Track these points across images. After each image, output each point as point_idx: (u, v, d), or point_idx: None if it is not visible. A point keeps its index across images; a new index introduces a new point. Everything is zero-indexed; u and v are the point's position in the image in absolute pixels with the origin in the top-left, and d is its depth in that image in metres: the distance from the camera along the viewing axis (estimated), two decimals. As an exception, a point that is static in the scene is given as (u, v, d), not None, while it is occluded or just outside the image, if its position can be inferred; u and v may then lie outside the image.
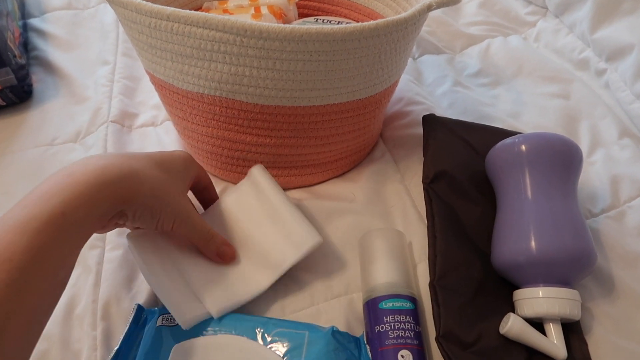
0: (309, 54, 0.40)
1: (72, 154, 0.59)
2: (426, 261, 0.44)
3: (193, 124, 0.50)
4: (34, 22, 0.79)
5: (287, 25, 0.38)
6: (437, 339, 0.39)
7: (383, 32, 0.40)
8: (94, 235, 0.49)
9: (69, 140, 0.61)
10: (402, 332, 0.38)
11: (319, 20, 0.60)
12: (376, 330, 0.39)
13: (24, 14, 0.81)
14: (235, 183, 0.54)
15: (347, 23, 0.59)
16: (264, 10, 0.57)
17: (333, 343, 0.38)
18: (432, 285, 0.42)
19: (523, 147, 0.44)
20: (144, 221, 0.38)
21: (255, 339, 0.39)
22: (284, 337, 0.39)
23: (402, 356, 0.37)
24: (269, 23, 0.38)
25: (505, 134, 0.51)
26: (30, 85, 0.67)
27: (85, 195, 0.32)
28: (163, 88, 0.48)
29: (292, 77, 0.42)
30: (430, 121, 0.51)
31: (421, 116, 0.54)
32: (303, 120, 0.46)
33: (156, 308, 0.42)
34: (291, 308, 0.43)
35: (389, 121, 0.58)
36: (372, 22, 0.39)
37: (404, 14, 0.40)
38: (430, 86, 0.63)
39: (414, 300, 0.40)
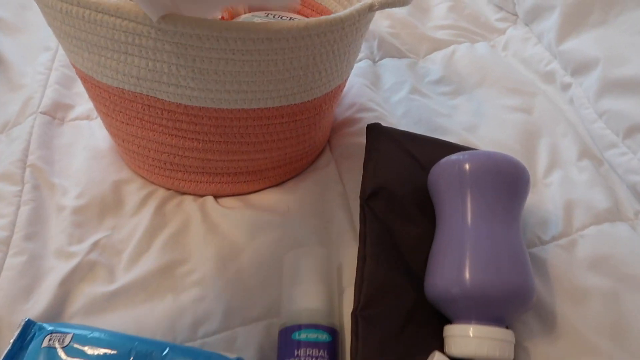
0: (231, 52, 0.36)
1: (-3, 146, 0.54)
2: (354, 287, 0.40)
3: (117, 121, 0.45)
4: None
5: (204, 19, 0.34)
6: (352, 377, 0.35)
7: (315, 32, 0.36)
8: (-3, 239, 0.44)
9: (-4, 130, 0.56)
10: (312, 367, 0.34)
11: (269, 15, 0.56)
12: (285, 364, 0.35)
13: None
14: (164, 187, 0.50)
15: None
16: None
17: None
18: (354, 316, 0.38)
19: (466, 166, 0.40)
20: None
21: None
22: None
23: None
24: (186, 16, 0.34)
25: (455, 149, 0.48)
26: (-38, 69, 0.62)
27: None
28: (85, 80, 0.44)
29: (215, 77, 0.38)
30: (375, 131, 0.47)
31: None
32: (231, 124, 0.42)
33: (48, 325, 0.37)
34: (204, 329, 0.39)
35: (338, 128, 0.54)
36: (302, 20, 0.35)
37: (340, 13, 0.36)
38: (387, 92, 0.59)
39: (333, 331, 0.36)
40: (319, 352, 0.35)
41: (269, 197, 0.48)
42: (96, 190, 0.49)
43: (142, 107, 0.42)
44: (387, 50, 0.64)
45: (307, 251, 0.41)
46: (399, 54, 0.64)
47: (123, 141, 0.48)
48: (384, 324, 0.37)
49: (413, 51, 0.65)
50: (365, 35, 0.44)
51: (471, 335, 0.35)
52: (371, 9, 0.37)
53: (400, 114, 0.56)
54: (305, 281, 0.39)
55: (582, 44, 0.53)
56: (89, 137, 0.55)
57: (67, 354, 0.34)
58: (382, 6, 0.38)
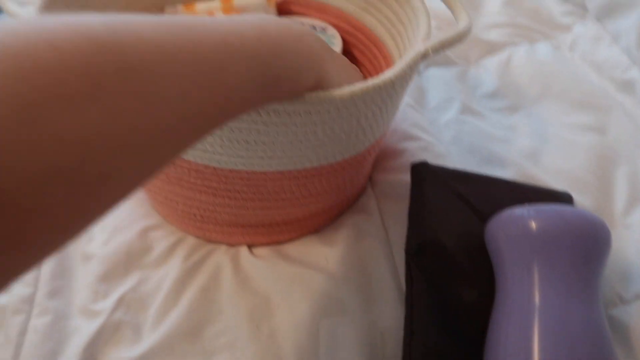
0: (264, 124, 0.31)
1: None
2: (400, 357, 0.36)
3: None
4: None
5: None
6: None
7: (362, 100, 0.30)
8: (19, 297, 0.42)
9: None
10: None
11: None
12: None
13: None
14: (196, 236, 0.46)
15: (321, 29, 0.49)
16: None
17: None
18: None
19: (533, 225, 0.34)
20: None
21: None
22: None
23: None
24: None
25: (514, 188, 0.41)
26: None
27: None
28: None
29: (245, 145, 0.33)
30: (420, 172, 0.41)
31: (416, 156, 0.44)
32: (265, 184, 0.38)
33: None
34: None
35: (379, 160, 0.48)
36: (346, 90, 0.28)
37: (390, 74, 0.29)
38: (433, 111, 0.52)
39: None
40: None
41: (306, 247, 0.44)
42: (123, 236, 0.46)
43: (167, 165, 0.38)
44: (433, 57, 0.57)
45: (345, 321, 0.36)
46: (447, 62, 0.57)
47: (149, 192, 0.44)
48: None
49: (463, 57, 0.58)
50: (411, 81, 0.38)
51: None
52: (425, 56, 0.31)
53: (449, 139, 0.49)
54: (346, 351, 0.34)
55: (671, 51, 0.44)
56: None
57: None
58: (437, 51, 0.32)
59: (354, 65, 0.35)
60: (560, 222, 0.33)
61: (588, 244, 0.33)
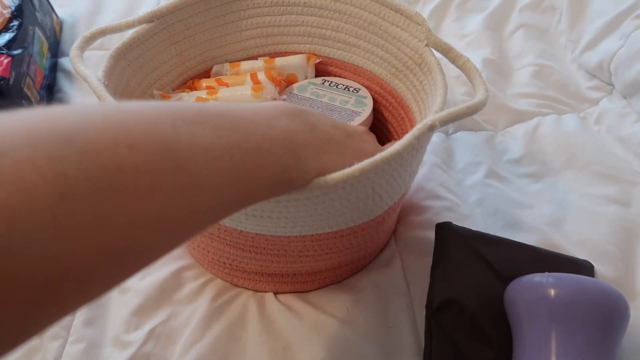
0: (285, 201, 0.32)
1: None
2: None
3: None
4: (65, 61, 0.78)
5: None
6: None
7: (373, 172, 0.31)
8: (59, 323, 0.45)
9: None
10: None
11: (325, 83, 0.54)
12: None
13: (57, 52, 0.80)
14: (227, 281, 0.48)
15: (354, 90, 0.52)
16: (261, 77, 0.51)
17: None
18: None
19: (551, 293, 0.35)
20: None
21: None
22: None
23: None
24: None
25: (536, 253, 0.42)
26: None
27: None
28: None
29: (268, 220, 0.35)
30: (444, 232, 0.43)
31: (440, 215, 0.46)
32: (289, 246, 0.40)
33: None
34: None
35: (404, 214, 0.51)
36: (357, 167, 0.30)
37: (396, 146, 0.31)
38: (460, 173, 0.54)
39: None
40: None
41: (329, 296, 0.45)
42: (158, 273, 0.49)
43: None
44: (463, 122, 0.60)
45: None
46: (476, 127, 0.59)
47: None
48: None
49: (491, 123, 0.60)
50: (426, 146, 0.41)
51: None
52: (431, 129, 0.33)
53: (474, 201, 0.51)
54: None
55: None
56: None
57: None
58: (444, 124, 0.33)
59: (369, 135, 0.38)
60: (578, 292, 0.34)
61: (605, 315, 0.33)
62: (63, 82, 0.75)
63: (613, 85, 0.60)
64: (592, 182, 0.51)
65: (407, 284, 0.46)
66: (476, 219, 0.49)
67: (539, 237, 0.46)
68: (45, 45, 0.75)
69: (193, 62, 0.53)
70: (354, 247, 0.42)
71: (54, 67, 0.77)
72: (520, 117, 0.60)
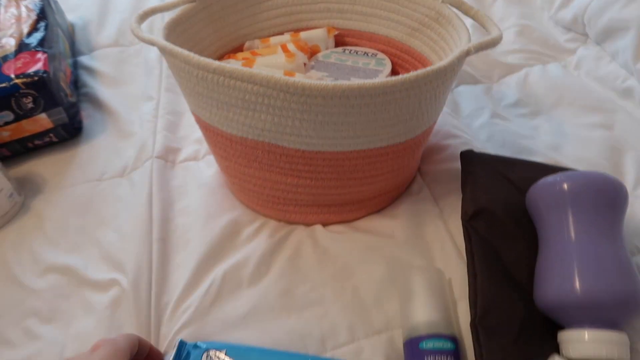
0: (351, 107, 0.40)
1: (119, 189, 0.61)
2: (466, 299, 0.44)
3: (236, 164, 0.51)
4: (83, 59, 0.84)
5: (329, 83, 0.38)
6: (480, 383, 0.38)
7: (423, 82, 0.40)
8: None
9: (117, 175, 0.63)
10: (443, 374, 0.38)
11: (346, 51, 0.61)
12: (417, 372, 0.38)
13: (74, 52, 0.85)
14: (275, 219, 0.55)
15: (372, 54, 0.59)
16: (291, 47, 0.58)
17: None
18: (474, 325, 0.41)
19: (565, 186, 0.43)
20: None
21: None
22: None
23: None
24: (311, 80, 0.39)
25: (546, 169, 0.51)
26: (80, 122, 0.70)
27: None
28: (207, 130, 0.50)
29: (333, 127, 0.42)
30: (469, 157, 0.51)
31: (459, 150, 0.54)
32: (344, 164, 0.47)
33: (202, 343, 0.42)
34: (331, 343, 0.44)
35: (426, 155, 0.58)
36: (412, 73, 0.39)
37: (443, 63, 0.40)
38: (468, 118, 0.63)
39: (454, 340, 0.40)
40: (446, 357, 0.38)
41: (373, 223, 0.53)
42: (215, 223, 0.55)
43: (262, 153, 0.47)
44: (462, 78, 0.68)
45: (421, 269, 0.45)
46: (474, 81, 0.68)
47: (239, 180, 0.53)
48: (502, 332, 0.40)
49: (487, 77, 0.69)
50: (456, 78, 0.49)
51: (587, 338, 0.38)
52: (468, 54, 0.41)
53: (484, 138, 0.59)
54: (424, 296, 0.43)
55: (661, 60, 0.56)
56: (199, 177, 0.62)
57: None
58: (477, 50, 0.42)
59: None
60: (587, 181, 0.42)
61: (611, 195, 0.42)
62: (86, 77, 0.80)
63: (587, 35, 0.70)
64: (580, 114, 0.60)
65: (439, 208, 0.53)
66: (488, 151, 0.57)
67: (543, 159, 0.54)
68: (67, 45, 0.80)
69: (228, 38, 0.60)
70: (395, 171, 0.49)
71: (75, 65, 0.82)
72: (511, 69, 0.69)
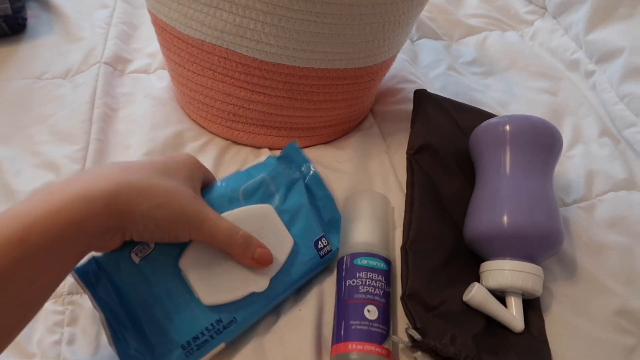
0: (315, 15, 0.40)
1: (59, 90, 0.58)
2: (401, 229, 0.45)
3: (189, 71, 0.49)
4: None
5: None
6: (402, 299, 0.40)
7: (390, 1, 0.40)
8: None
9: (58, 76, 0.60)
10: (372, 289, 0.39)
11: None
12: (347, 283, 0.39)
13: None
14: (222, 137, 0.54)
15: None
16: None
17: (279, 166, 0.43)
18: (404, 249, 0.43)
19: (507, 127, 0.45)
20: (151, 234, 0.34)
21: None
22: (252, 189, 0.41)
23: (369, 310, 0.38)
24: None
25: (493, 115, 0.53)
26: (24, 19, 0.66)
27: (55, 217, 0.29)
28: (164, 31, 0.48)
29: (295, 36, 0.42)
30: (422, 96, 0.52)
31: (412, 94, 0.54)
32: (299, 82, 0.47)
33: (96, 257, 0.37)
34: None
35: (380, 96, 0.59)
36: None
37: None
38: (425, 68, 0.64)
39: (388, 262, 0.41)
40: (377, 276, 0.39)
41: (320, 152, 0.53)
42: (159, 133, 0.53)
43: (218, 60, 0.46)
44: (425, 31, 0.69)
45: (366, 193, 0.46)
46: (435, 36, 0.69)
47: (190, 90, 0.52)
48: (430, 258, 0.42)
49: (448, 35, 0.70)
50: (421, 11, 0.49)
51: (507, 269, 0.40)
52: None
53: (438, 87, 0.61)
54: (365, 218, 0.43)
55: (609, 34, 0.59)
56: (148, 88, 0.60)
57: None
58: None
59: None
60: (526, 123, 0.44)
61: (548, 138, 0.44)
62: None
63: (546, 9, 0.72)
64: (529, 78, 0.63)
65: (386, 144, 0.54)
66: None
67: (491, 112, 0.57)
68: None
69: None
70: (349, 100, 0.50)
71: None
72: (472, 30, 0.70)
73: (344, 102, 0.50)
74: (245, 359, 0.37)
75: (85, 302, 0.41)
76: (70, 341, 0.39)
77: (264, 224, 0.40)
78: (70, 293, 0.41)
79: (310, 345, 0.38)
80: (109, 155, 0.52)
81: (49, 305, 0.41)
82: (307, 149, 0.54)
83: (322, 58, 0.44)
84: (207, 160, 0.52)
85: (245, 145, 0.54)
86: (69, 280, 0.42)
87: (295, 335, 0.39)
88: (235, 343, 0.38)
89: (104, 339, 0.39)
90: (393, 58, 0.51)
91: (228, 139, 0.54)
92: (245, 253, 0.37)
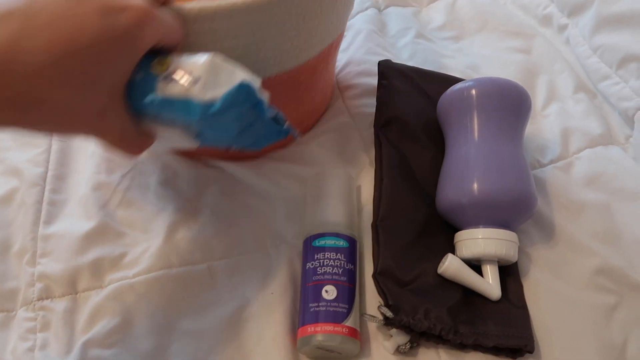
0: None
1: None
2: (371, 205, 0.44)
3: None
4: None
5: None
6: (373, 276, 0.39)
7: None
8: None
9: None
10: (329, 269, 0.38)
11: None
12: (307, 267, 0.39)
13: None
14: None
15: None
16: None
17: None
18: (375, 226, 0.42)
19: (473, 91, 0.43)
20: None
21: None
22: None
23: (327, 291, 0.37)
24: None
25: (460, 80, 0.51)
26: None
27: None
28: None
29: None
30: (386, 67, 0.51)
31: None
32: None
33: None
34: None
35: (344, 68, 0.57)
36: None
37: None
38: (393, 38, 0.62)
39: (351, 240, 0.40)
40: (336, 255, 0.39)
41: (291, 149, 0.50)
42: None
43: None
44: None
45: (330, 172, 0.44)
46: (403, 3, 0.67)
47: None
48: (401, 233, 0.41)
49: (416, 1, 0.68)
50: None
51: (480, 237, 0.39)
52: None
53: (407, 56, 0.59)
54: (329, 197, 0.42)
55: (578, -15, 0.56)
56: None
57: None
58: None
59: None
60: (494, 86, 0.43)
61: (515, 101, 0.42)
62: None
63: (516, -35, 0.70)
64: (501, 39, 0.61)
65: (353, 119, 0.52)
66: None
67: (462, 76, 0.55)
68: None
69: None
70: (296, 102, 0.46)
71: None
72: (440, -6, 0.68)
73: (293, 105, 0.46)
74: (220, 345, 0.37)
75: (56, 306, 0.41)
76: (43, 346, 0.39)
77: None
78: (40, 299, 0.41)
79: (284, 329, 0.38)
80: (72, 156, 0.51)
81: (20, 313, 0.41)
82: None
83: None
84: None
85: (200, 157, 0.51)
86: (38, 286, 0.42)
87: (269, 320, 0.38)
88: (208, 330, 0.38)
89: (77, 341, 0.39)
90: (332, 46, 0.46)
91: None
92: None
